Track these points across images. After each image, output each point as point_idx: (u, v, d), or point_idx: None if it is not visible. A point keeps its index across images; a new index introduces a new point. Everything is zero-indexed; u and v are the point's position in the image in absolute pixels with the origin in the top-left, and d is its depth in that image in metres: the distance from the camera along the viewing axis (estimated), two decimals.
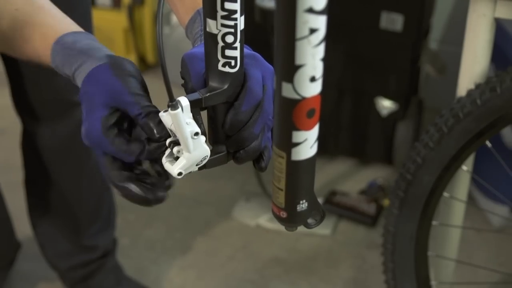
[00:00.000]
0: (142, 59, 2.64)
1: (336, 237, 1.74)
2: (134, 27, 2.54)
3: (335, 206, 1.79)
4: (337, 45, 1.80)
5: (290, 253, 1.68)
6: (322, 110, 0.54)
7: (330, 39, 0.50)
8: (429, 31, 1.93)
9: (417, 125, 1.94)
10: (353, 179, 1.96)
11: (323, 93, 0.52)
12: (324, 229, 1.74)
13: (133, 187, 0.62)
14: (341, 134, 1.96)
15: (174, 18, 2.49)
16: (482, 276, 1.56)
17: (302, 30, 0.47)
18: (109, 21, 2.54)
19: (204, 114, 0.65)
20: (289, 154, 0.54)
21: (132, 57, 2.59)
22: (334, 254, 1.67)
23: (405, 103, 1.85)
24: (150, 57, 2.62)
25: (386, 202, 1.81)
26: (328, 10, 0.48)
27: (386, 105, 1.84)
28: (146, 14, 2.53)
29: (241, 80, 0.63)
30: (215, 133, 0.65)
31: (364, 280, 1.57)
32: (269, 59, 0.62)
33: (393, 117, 1.86)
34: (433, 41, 2.19)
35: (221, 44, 0.60)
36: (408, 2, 1.72)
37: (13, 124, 2.31)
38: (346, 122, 1.94)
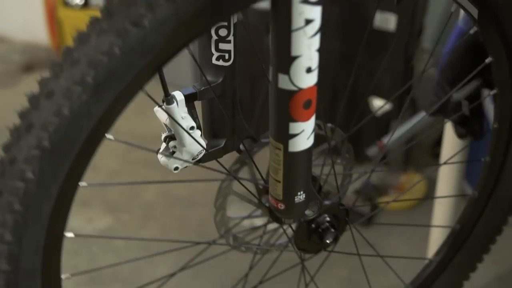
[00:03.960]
0: None
1: None
2: None
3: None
4: (330, 45, 1.80)
5: (284, 253, 1.67)
6: (315, 110, 0.54)
7: (324, 39, 0.50)
8: (422, 30, 1.93)
9: None
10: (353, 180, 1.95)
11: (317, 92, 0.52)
12: None
13: None
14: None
15: None
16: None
17: (298, 21, 0.47)
18: None
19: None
20: (286, 146, 0.54)
21: None
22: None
23: (399, 102, 1.85)
24: None
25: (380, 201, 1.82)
26: (323, 11, 0.48)
27: (379, 104, 1.85)
28: None
29: (234, 73, 0.63)
30: (211, 127, 0.65)
31: (359, 280, 1.56)
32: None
33: (387, 116, 1.87)
34: (426, 40, 2.19)
35: (214, 37, 0.60)
36: (401, 2, 1.72)
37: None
38: (340, 122, 1.94)
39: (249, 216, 0.77)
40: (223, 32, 0.60)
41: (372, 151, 0.94)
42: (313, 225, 0.74)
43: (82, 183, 0.59)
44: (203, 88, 0.62)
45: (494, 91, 0.81)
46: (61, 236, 0.61)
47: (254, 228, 0.80)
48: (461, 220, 0.98)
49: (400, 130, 0.94)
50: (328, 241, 0.73)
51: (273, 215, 0.78)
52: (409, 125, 0.94)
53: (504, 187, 0.92)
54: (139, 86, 0.54)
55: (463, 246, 1.01)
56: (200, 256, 0.88)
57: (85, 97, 0.52)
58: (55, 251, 0.62)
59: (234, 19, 0.60)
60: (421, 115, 0.93)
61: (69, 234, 0.62)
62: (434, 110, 0.88)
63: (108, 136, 0.56)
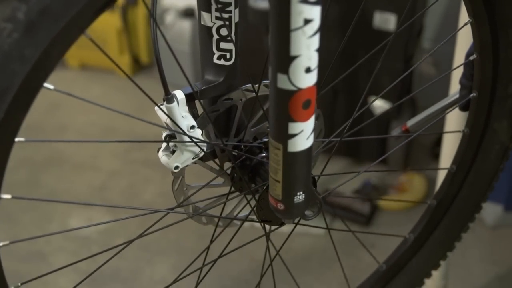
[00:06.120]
0: (136, 59, 2.63)
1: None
2: (127, 27, 2.53)
3: (329, 206, 1.79)
4: (330, 45, 1.80)
5: (284, 253, 1.67)
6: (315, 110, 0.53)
7: (323, 39, 0.50)
8: (422, 30, 1.94)
9: None
10: (347, 179, 1.96)
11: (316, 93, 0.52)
12: (318, 228, 1.74)
13: None
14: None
15: (168, 18, 2.48)
16: (476, 274, 1.57)
17: (296, 20, 0.47)
18: (103, 21, 2.52)
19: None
20: (285, 146, 0.54)
21: (126, 58, 2.59)
22: (329, 253, 1.67)
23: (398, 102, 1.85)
24: (144, 57, 2.62)
25: (380, 202, 1.82)
26: (323, 11, 0.48)
27: (379, 104, 1.85)
28: (139, 14, 2.52)
29: (235, 72, 0.63)
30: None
31: (359, 280, 1.56)
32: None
33: (387, 116, 1.87)
34: (426, 40, 2.19)
35: (216, 37, 0.61)
36: (401, 2, 1.72)
37: None
38: (340, 122, 1.95)
39: (209, 185, 0.74)
40: (224, 32, 0.60)
41: (396, 131, 0.93)
42: None
43: (19, 138, 0.52)
44: (204, 87, 0.62)
45: (473, 56, 0.76)
46: None
47: (216, 198, 0.77)
48: (438, 196, 0.92)
49: (425, 112, 0.92)
50: None
51: (236, 184, 0.73)
52: (434, 108, 0.91)
53: (484, 161, 0.86)
54: (80, 28, 0.48)
55: (440, 224, 0.94)
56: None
57: (17, 36, 0.46)
58: None
59: (236, 18, 0.60)
60: (447, 98, 0.90)
61: (6, 196, 0.55)
62: (465, 104, 0.82)
63: (46, 85, 0.51)
